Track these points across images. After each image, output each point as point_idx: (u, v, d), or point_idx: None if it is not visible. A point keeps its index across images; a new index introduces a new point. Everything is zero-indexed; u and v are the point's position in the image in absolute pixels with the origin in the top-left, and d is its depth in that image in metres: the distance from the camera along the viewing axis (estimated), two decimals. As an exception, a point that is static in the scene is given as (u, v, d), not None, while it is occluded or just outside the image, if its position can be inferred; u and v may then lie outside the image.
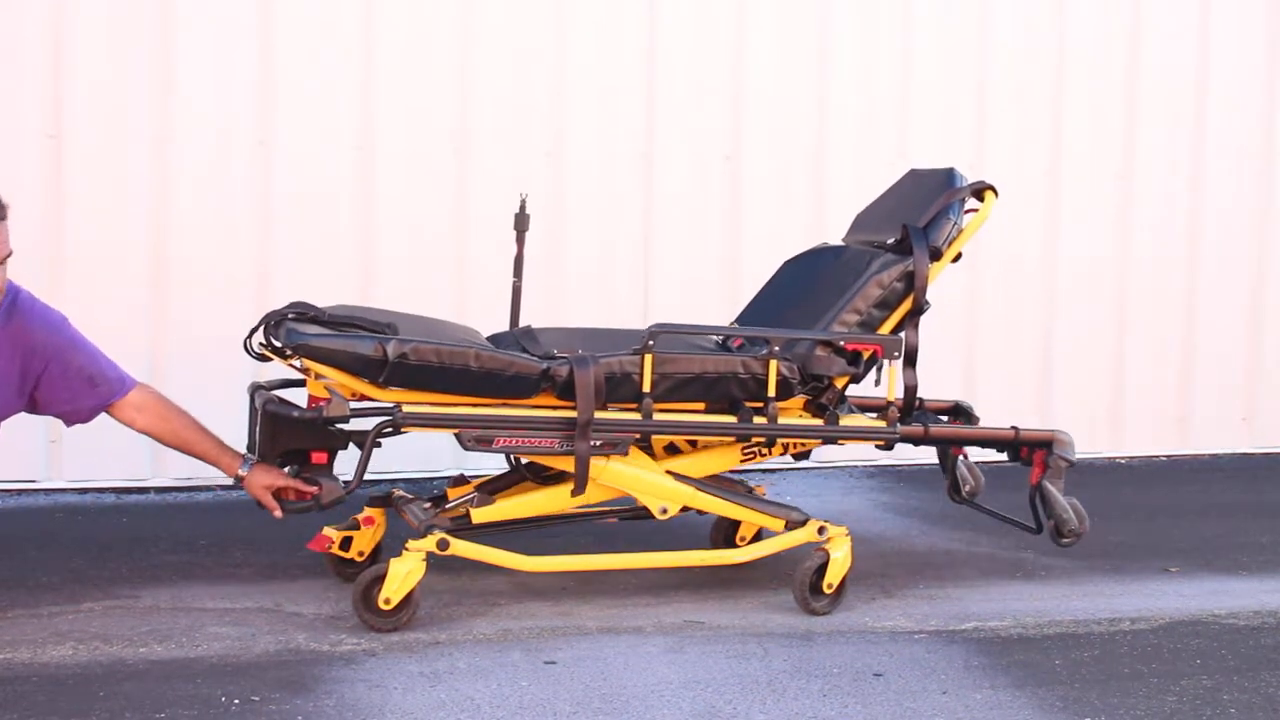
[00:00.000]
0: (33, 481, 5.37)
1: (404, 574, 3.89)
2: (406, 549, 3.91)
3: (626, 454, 4.07)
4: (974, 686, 3.64)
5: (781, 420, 4.15)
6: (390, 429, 3.91)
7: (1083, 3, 6.33)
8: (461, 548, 3.97)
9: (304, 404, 3.97)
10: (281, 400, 3.96)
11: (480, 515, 4.13)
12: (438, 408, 3.94)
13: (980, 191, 4.34)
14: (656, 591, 4.32)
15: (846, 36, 6.05)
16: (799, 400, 4.27)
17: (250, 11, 5.43)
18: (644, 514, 4.64)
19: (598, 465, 4.06)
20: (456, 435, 3.94)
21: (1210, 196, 6.53)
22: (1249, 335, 6.63)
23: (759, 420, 4.12)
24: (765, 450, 4.32)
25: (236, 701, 3.41)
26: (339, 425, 3.93)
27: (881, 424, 4.27)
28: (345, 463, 3.99)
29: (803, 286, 4.53)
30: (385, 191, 5.56)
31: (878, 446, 4.40)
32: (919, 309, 4.26)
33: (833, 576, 4.16)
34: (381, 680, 3.57)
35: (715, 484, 4.28)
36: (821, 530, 4.19)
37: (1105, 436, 6.49)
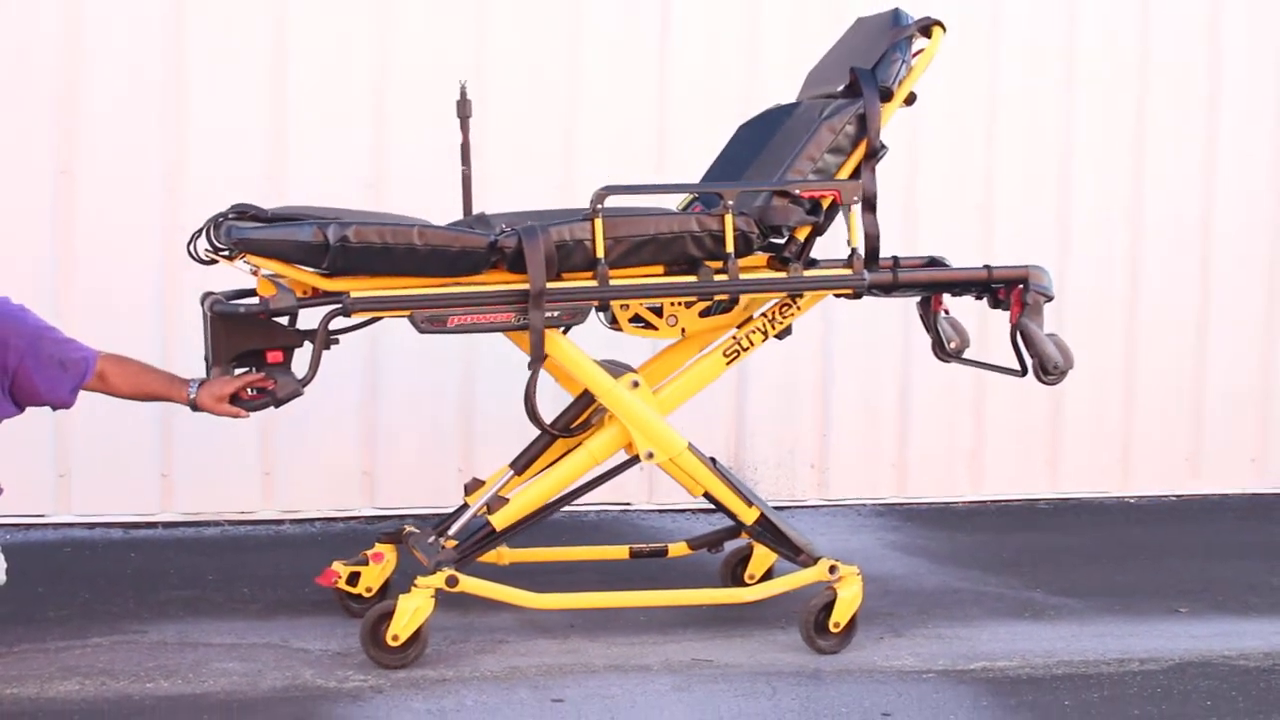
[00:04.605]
0: (41, 516, 5.37)
1: (412, 611, 3.88)
2: (415, 586, 3.90)
3: (584, 321, 4.01)
4: (983, 727, 3.63)
5: (743, 277, 4.08)
6: (341, 315, 3.85)
7: (1093, 25, 6.34)
8: (471, 585, 3.96)
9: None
10: (229, 300, 3.90)
11: (501, 519, 4.08)
12: (387, 291, 3.89)
13: (928, 28, 4.25)
14: (664, 629, 4.31)
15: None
16: (762, 258, 4.21)
17: (264, 55, 5.46)
18: (659, 552, 4.66)
19: (604, 391, 4.06)
20: (410, 318, 3.89)
21: (1220, 239, 6.52)
22: (1259, 375, 6.61)
23: (720, 279, 4.05)
24: (747, 342, 4.21)
25: (243, 738, 3.41)
26: (292, 320, 3.89)
27: (847, 272, 4.19)
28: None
29: (757, 145, 4.44)
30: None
31: (846, 296, 4.28)
32: (874, 152, 4.16)
33: (840, 616, 4.14)
34: (388, 717, 3.56)
35: (710, 460, 4.25)
36: (833, 569, 4.17)
37: (1114, 476, 6.47)
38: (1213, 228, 6.51)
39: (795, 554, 4.23)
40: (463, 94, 4.52)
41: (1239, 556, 5.50)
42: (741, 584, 4.61)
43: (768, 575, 4.61)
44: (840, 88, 4.30)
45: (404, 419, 5.63)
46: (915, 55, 4.26)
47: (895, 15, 4.30)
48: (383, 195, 5.55)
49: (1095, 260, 6.37)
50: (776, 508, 5.87)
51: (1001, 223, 6.24)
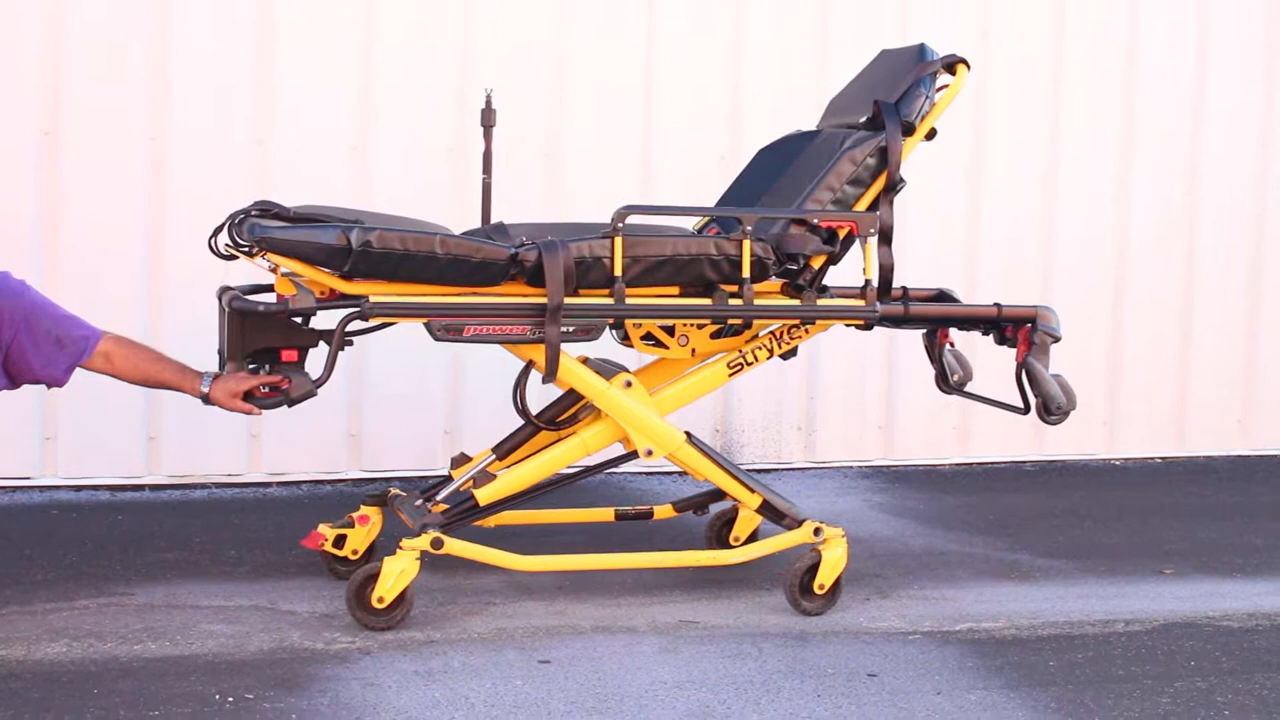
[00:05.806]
0: (28, 478, 5.36)
1: (397, 573, 3.88)
2: (401, 548, 3.91)
3: (598, 338, 4.02)
4: (968, 687, 3.64)
5: (758, 302, 4.11)
6: (359, 319, 3.86)
7: (1081, 14, 6.34)
8: (456, 547, 3.96)
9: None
10: (247, 297, 3.91)
11: (486, 495, 4.09)
12: (405, 297, 3.90)
13: (953, 65, 4.27)
14: (651, 591, 4.33)
15: (846, 32, 6.05)
16: (776, 284, 4.24)
17: (249, 9, 5.43)
18: (645, 514, 4.67)
19: (598, 394, 4.06)
20: (426, 325, 3.89)
21: (1206, 201, 6.53)
22: (1244, 338, 6.63)
23: (734, 303, 4.07)
24: (752, 357, 4.24)
25: (230, 700, 3.41)
26: (307, 320, 3.90)
27: (860, 303, 4.22)
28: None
29: (776, 170, 4.46)
30: (379, 190, 5.56)
31: (857, 327, 4.32)
32: (893, 185, 4.19)
33: (824, 578, 4.15)
34: (376, 679, 3.57)
35: (705, 445, 4.26)
36: (817, 531, 4.18)
37: (1100, 438, 6.49)
38: (1198, 195, 6.52)
39: (779, 517, 4.24)
40: (488, 103, 4.52)
41: (1224, 518, 5.53)
42: (727, 546, 4.62)
43: (753, 537, 4.62)
44: (862, 119, 4.32)
45: (391, 383, 5.62)
46: (938, 91, 4.28)
47: (921, 50, 4.33)
48: (367, 161, 5.53)
49: (1083, 224, 6.37)
50: (763, 470, 5.92)
51: (988, 190, 6.24)
